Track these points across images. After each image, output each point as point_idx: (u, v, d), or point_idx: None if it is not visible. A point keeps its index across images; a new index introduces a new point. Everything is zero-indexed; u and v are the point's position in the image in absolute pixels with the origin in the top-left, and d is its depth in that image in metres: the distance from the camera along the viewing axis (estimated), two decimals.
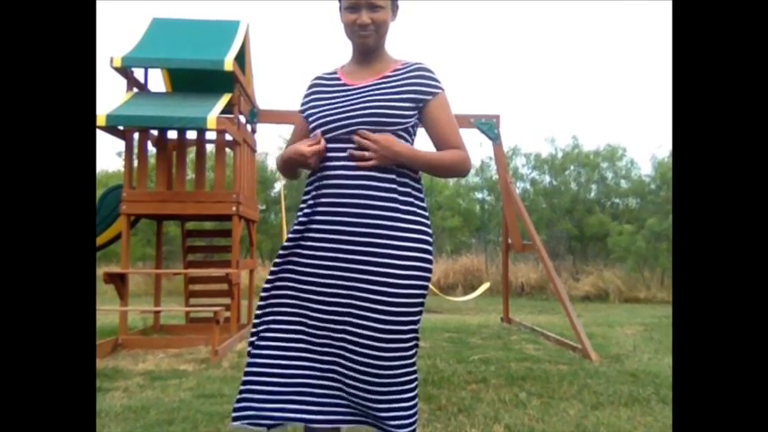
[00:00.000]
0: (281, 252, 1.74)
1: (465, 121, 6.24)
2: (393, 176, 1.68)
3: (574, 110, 24.43)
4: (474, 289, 10.44)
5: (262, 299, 1.74)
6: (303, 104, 1.82)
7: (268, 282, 1.74)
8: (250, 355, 1.72)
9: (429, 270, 1.70)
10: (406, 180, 1.71)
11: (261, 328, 1.71)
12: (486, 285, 9.89)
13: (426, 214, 1.75)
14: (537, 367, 4.17)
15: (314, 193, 1.70)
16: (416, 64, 1.77)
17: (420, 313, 1.72)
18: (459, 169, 1.76)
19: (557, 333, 5.64)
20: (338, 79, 1.78)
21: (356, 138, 1.65)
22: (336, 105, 1.70)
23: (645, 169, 14.71)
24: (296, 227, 1.72)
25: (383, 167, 1.66)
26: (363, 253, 1.64)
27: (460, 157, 1.73)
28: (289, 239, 1.73)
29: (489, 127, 6.38)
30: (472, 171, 14.58)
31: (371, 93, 1.70)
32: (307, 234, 1.69)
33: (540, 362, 4.39)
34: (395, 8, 1.78)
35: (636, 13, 31.70)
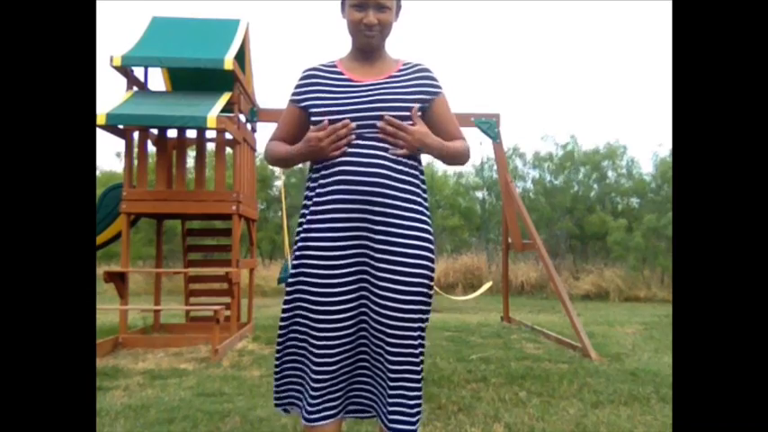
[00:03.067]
0: (297, 254, 1.74)
1: (465, 120, 6.24)
2: (403, 170, 1.69)
3: (575, 109, 24.43)
4: (474, 288, 10.43)
5: (287, 293, 1.75)
6: (300, 95, 1.79)
7: (289, 285, 1.75)
8: (280, 350, 1.77)
9: (433, 268, 1.73)
10: (416, 180, 1.74)
11: (287, 325, 1.75)
12: (488, 284, 9.88)
13: (429, 213, 1.78)
14: (537, 366, 4.17)
15: (322, 184, 1.69)
16: (418, 65, 1.81)
17: (427, 311, 1.74)
18: (466, 158, 1.89)
19: (557, 332, 5.65)
20: (341, 74, 1.76)
21: (384, 122, 1.66)
22: (345, 100, 1.69)
23: (646, 168, 14.72)
24: (305, 221, 1.72)
25: (395, 162, 1.67)
26: (375, 249, 1.66)
27: (467, 147, 1.87)
28: (300, 237, 1.73)
29: (489, 126, 6.38)
30: (472, 170, 14.66)
31: (382, 90, 1.70)
32: (318, 225, 1.68)
33: (539, 361, 4.40)
34: (398, 9, 1.79)
35: (636, 13, 31.68)
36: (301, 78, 1.81)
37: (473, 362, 4.34)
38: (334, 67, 1.79)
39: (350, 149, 1.65)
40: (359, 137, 1.66)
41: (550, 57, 28.84)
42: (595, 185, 13.55)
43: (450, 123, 1.83)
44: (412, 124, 1.69)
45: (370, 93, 1.69)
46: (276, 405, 1.81)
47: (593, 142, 17.61)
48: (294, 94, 1.81)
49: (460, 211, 14.48)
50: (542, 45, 29.69)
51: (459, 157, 1.85)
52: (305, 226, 1.71)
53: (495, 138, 6.41)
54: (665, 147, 13.15)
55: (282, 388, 1.79)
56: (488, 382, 3.66)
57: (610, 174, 13.46)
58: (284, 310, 1.75)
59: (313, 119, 1.72)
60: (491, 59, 30.43)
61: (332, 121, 1.66)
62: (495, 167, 6.98)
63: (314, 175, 1.74)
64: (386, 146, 1.67)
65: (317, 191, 1.70)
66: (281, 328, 1.76)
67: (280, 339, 1.77)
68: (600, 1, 31.20)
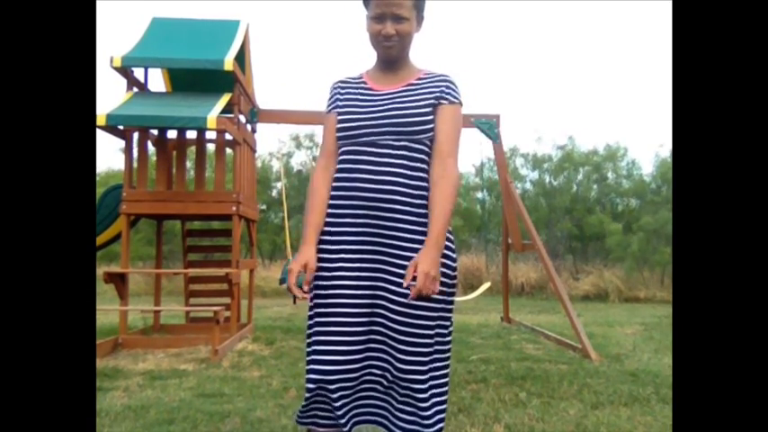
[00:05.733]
0: (321, 265, 1.72)
1: (465, 120, 6.24)
2: (417, 176, 1.70)
3: (575, 110, 24.40)
4: (474, 289, 10.43)
5: (314, 305, 1.73)
6: (331, 104, 1.85)
7: (315, 297, 1.73)
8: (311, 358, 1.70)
9: (450, 275, 1.71)
10: (427, 184, 1.73)
11: (314, 332, 1.70)
12: (486, 285, 9.88)
13: None
14: (537, 367, 4.17)
15: (337, 188, 1.73)
16: (441, 75, 1.81)
17: (445, 318, 1.73)
18: (456, 190, 1.71)
19: (557, 333, 5.65)
20: (364, 83, 1.82)
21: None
22: (362, 110, 1.74)
23: (646, 169, 14.70)
24: (325, 231, 1.73)
25: (408, 169, 1.68)
26: (389, 254, 1.67)
27: (453, 189, 1.69)
28: (319, 240, 1.73)
29: (489, 127, 6.38)
30: (472, 171, 14.64)
31: (396, 99, 1.73)
32: (333, 229, 1.71)
33: (540, 361, 4.39)
34: (420, 19, 1.81)
35: (636, 13, 31.71)
36: (331, 90, 1.88)
37: (473, 362, 4.33)
38: (360, 77, 1.86)
39: (364, 157, 1.70)
40: (372, 144, 1.70)
41: (551, 57, 28.86)
42: (595, 186, 13.54)
43: (443, 139, 1.71)
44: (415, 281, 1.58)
45: (385, 101, 1.74)
46: (299, 421, 1.72)
47: (594, 143, 17.62)
48: (327, 106, 1.88)
49: (460, 212, 14.47)
50: (543, 46, 29.72)
51: (453, 203, 1.69)
52: (324, 229, 1.74)
53: (495, 138, 6.41)
54: (666, 147, 13.14)
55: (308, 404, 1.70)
56: (488, 382, 3.66)
57: (609, 175, 13.46)
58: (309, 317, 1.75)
59: (337, 127, 1.77)
60: (491, 60, 30.45)
61: (349, 128, 1.73)
62: (495, 168, 6.98)
63: (334, 185, 1.77)
64: (399, 152, 1.69)
65: (335, 193, 1.74)
66: (308, 336, 1.75)
67: (310, 341, 1.73)
68: (600, 1, 31.24)
